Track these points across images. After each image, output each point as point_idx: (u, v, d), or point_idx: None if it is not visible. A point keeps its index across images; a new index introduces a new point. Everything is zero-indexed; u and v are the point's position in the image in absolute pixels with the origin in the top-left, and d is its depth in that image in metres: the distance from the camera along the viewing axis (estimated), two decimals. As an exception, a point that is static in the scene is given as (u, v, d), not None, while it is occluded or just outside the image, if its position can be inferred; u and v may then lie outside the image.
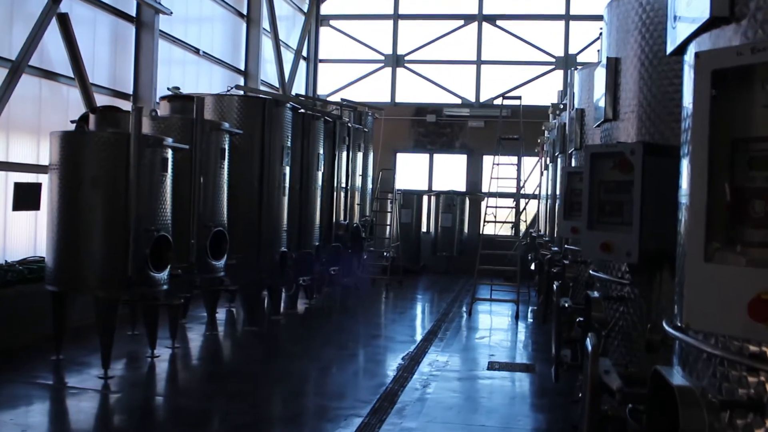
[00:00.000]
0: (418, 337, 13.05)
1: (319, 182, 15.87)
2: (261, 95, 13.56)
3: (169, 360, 10.73)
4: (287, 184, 13.72)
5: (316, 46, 27.10)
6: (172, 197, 10.30)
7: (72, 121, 9.82)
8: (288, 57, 25.03)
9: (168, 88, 11.49)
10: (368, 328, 14.33)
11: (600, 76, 6.07)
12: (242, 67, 21.26)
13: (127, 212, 9.32)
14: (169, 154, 10.08)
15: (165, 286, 10.07)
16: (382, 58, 26.67)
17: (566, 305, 6.59)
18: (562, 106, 11.95)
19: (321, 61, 27.31)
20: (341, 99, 20.34)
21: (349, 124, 18.11)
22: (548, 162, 15.64)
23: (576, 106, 9.16)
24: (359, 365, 10.95)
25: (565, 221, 8.20)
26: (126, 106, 14.18)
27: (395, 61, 26.54)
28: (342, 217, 18.02)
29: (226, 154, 11.93)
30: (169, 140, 10.08)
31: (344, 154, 18.22)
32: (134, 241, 9.33)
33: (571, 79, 10.77)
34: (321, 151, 15.77)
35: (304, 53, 26.60)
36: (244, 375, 10.15)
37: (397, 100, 26.53)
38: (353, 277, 19.48)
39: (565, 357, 6.75)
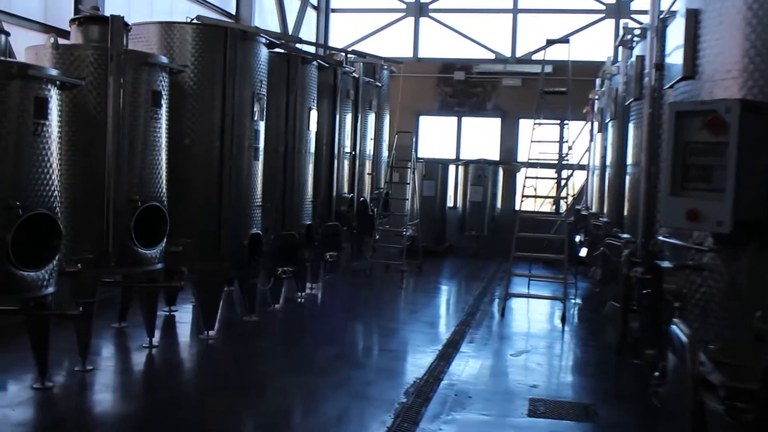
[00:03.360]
0: (433, 352, 9.65)
1: (312, 145, 12.45)
2: (223, 25, 10.16)
3: (73, 391, 7.51)
4: (260, 145, 10.32)
5: (328, -7, 23.56)
6: (67, 159, 7.02)
7: None
8: (294, 6, 21.55)
9: (78, 7, 8.07)
10: (368, 335, 10.99)
11: None
12: (233, 11, 17.84)
13: (-30, 179, 6.01)
14: (53, 93, 6.72)
15: (49, 289, 6.79)
16: (404, 6, 23.07)
17: (718, 382, 3.20)
18: (637, 32, 8.39)
19: (333, 10, 23.76)
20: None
21: (354, 75, 14.64)
22: (607, 120, 12.07)
23: (685, 6, 5.60)
24: (340, 405, 7.55)
25: (672, 198, 4.73)
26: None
27: (418, 10, 22.93)
28: (346, 190, 14.63)
29: (163, 99, 8.55)
30: (49, 70, 6.72)
31: (350, 112, 14.81)
32: (-18, 225, 6.02)
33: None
34: (313, 106, 12.34)
35: (315, 2, 23.10)
36: (164, 426, 6.83)
37: (421, 55, 22.95)
38: (362, 262, 16.18)
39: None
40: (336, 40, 23.56)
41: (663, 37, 7.70)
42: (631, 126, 8.70)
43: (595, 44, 21.34)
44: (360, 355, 9.77)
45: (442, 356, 9.40)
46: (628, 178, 8.84)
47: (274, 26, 20.03)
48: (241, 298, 11.02)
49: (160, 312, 10.94)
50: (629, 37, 8.97)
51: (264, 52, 10.37)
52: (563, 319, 12.09)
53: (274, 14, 20.18)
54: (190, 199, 9.51)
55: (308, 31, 22.43)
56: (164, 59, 8.64)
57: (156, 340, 9.43)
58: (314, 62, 12.30)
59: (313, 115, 12.26)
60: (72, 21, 8.40)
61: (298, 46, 13.63)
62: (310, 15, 22.94)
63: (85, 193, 7.85)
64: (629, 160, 8.79)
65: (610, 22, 21.85)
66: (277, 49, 11.38)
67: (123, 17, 7.95)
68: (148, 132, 8.35)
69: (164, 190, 8.66)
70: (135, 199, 8.07)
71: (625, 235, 8.55)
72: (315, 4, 23.21)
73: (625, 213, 8.95)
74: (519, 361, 9.50)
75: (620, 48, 10.01)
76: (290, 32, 20.50)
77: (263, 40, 10.33)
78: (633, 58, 8.79)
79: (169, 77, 8.69)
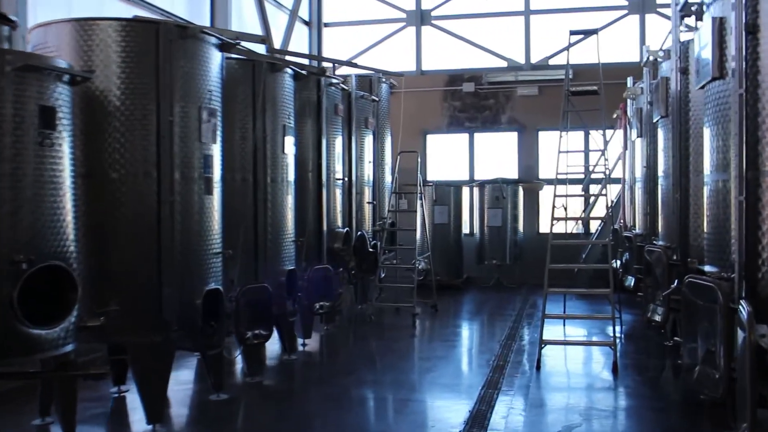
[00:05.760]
0: (453, 435, 7.24)
1: (292, 172, 10.14)
2: (154, 21, 7.87)
3: None
4: (215, 175, 7.98)
5: (319, 6, 21.37)
6: None
7: None
8: (281, 20, 19.41)
9: None
10: (371, 413, 8.55)
11: None
12: (207, 25, 15.64)
13: None
14: None
15: None
16: (404, 15, 20.89)
17: None
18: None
19: (326, 25, 21.59)
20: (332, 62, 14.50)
21: (343, 86, 12.37)
22: (656, 119, 9.69)
23: None
24: None
25: None
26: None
27: (419, 18, 20.74)
28: (339, 223, 12.29)
29: (62, 118, 6.24)
30: None
31: (342, 132, 12.55)
32: None
33: None
34: (290, 123, 10.04)
35: (305, 16, 20.94)
36: None
37: (425, 67, 20.73)
38: (366, 307, 13.84)
39: None
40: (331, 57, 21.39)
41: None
42: (709, 118, 6.29)
43: (618, 44, 19.07)
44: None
45: (465, 443, 6.99)
46: (706, 189, 6.42)
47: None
48: (207, 369, 8.66)
49: (109, 392, 8.70)
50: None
51: (216, 56, 8.07)
52: (615, 370, 9.64)
53: (257, 29, 18.00)
54: (118, 250, 7.21)
55: (298, 48, 20.23)
56: (62, 62, 6.35)
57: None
58: (287, 69, 10.00)
59: (289, 134, 9.97)
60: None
61: (287, 56, 11.41)
62: (301, 31, 20.82)
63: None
64: (707, 165, 6.37)
65: (634, 19, 19.58)
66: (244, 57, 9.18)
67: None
68: (41, 164, 6.03)
69: (71, 243, 6.32)
70: (19, 259, 5.73)
71: (710, 268, 6.14)
72: (306, 19, 21.07)
73: (705, 236, 6.52)
74: (569, 446, 7.05)
75: (675, 21, 7.67)
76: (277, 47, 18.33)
77: (214, 41, 8.04)
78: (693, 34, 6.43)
79: (71, 88, 6.39)
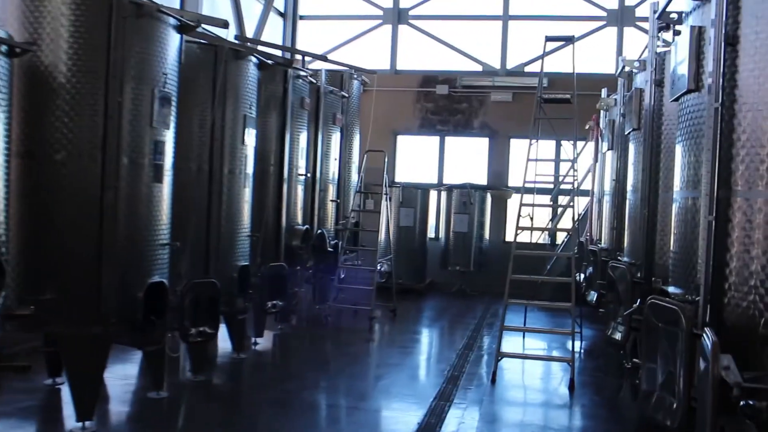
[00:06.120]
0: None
1: (250, 164, 9.76)
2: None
3: None
4: (166, 162, 7.58)
5: (295, -1, 20.98)
6: None
7: None
8: (255, 10, 19.01)
9: None
10: (315, 422, 8.18)
11: None
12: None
13: None
14: None
15: None
16: (380, 13, 20.54)
17: None
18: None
19: (302, 17, 21.17)
20: (301, 53, 14.13)
21: (311, 80, 12.01)
22: (627, 131, 9.44)
23: None
24: None
25: None
26: None
27: (397, 16, 20.40)
28: (300, 220, 11.93)
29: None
30: None
31: (308, 127, 12.19)
32: None
33: None
34: (251, 114, 9.66)
35: (281, 7, 20.54)
36: None
37: (399, 66, 20.38)
38: (324, 308, 13.46)
39: None
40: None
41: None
42: (681, 132, 6.02)
43: (596, 56, 18.89)
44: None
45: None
46: (675, 206, 6.16)
47: (230, 32, 17.42)
48: (149, 367, 8.27)
49: (43, 383, 8.25)
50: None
51: (173, 38, 7.68)
52: (572, 387, 9.37)
53: (230, 17, 17.58)
54: (57, 236, 6.80)
55: (272, 39, 19.80)
56: (3, 32, 5.93)
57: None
58: (252, 58, 9.62)
59: (250, 125, 9.59)
60: None
61: (259, 45, 11.02)
62: (276, 22, 20.39)
63: None
64: (677, 182, 6.11)
65: (612, 31, 19.39)
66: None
67: None
68: (-32, 140, 5.63)
69: (1, 225, 5.91)
70: (-62, 239, 5.33)
71: (674, 290, 5.87)
72: (282, 10, 20.66)
73: (671, 255, 6.26)
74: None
75: (653, 30, 7.40)
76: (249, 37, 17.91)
77: (172, 22, 7.65)
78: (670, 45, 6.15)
79: (9, 59, 5.98)
